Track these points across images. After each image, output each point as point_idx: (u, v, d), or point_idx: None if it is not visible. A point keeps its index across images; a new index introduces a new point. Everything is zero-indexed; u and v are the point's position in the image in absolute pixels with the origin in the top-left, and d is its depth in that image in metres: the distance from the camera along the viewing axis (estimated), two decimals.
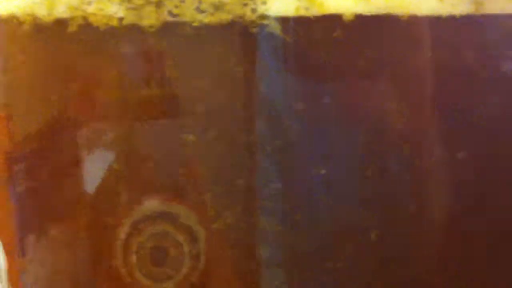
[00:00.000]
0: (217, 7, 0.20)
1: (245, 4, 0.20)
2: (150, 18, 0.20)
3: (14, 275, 0.26)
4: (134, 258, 0.22)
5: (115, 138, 0.22)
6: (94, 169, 0.22)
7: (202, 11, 0.20)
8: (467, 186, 0.22)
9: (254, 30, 0.20)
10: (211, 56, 0.21)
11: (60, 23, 0.21)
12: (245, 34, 0.20)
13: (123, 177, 0.22)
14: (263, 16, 0.20)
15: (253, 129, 0.21)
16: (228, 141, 0.21)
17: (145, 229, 0.22)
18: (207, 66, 0.21)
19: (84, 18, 0.21)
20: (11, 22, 0.22)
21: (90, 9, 0.21)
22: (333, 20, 0.20)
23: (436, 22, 0.21)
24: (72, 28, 0.21)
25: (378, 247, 0.21)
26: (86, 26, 0.21)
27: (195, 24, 0.20)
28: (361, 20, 0.20)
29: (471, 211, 0.22)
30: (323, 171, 0.21)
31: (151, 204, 0.22)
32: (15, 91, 0.23)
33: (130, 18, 0.20)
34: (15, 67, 0.23)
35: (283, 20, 0.20)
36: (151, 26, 0.20)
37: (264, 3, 0.20)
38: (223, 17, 0.20)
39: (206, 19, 0.20)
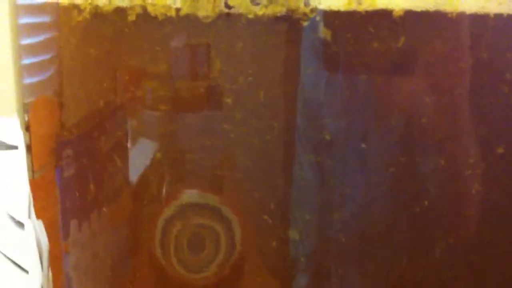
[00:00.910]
0: (272, 0, 0.20)
1: None
2: (206, 10, 0.20)
3: (55, 257, 0.27)
4: (172, 246, 0.22)
5: (161, 127, 0.22)
6: (138, 157, 0.22)
7: (257, 3, 0.20)
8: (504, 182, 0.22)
9: (305, 23, 0.20)
10: (261, 48, 0.21)
11: (119, 12, 0.21)
12: (295, 27, 0.20)
13: (166, 167, 0.22)
14: (315, 10, 0.20)
15: (293, 124, 0.21)
16: (268, 135, 0.21)
17: (184, 219, 0.22)
18: (257, 58, 0.21)
19: (143, 7, 0.21)
20: (71, 10, 0.22)
21: None
22: (383, 15, 0.20)
23: (484, 20, 0.21)
24: (131, 17, 0.21)
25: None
26: (145, 15, 0.21)
27: (249, 16, 0.20)
28: (410, 15, 0.20)
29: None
30: (359, 171, 0.21)
31: (191, 194, 0.22)
32: (69, 78, 0.24)
33: (187, 9, 0.21)
34: (72, 55, 0.23)
35: (334, 14, 0.20)
36: (206, 17, 0.21)
37: None
38: (277, 9, 0.20)
39: (260, 11, 0.20)
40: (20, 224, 0.50)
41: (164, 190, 0.22)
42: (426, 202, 0.21)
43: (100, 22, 0.22)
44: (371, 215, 0.21)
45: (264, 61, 0.21)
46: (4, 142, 0.66)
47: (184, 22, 0.21)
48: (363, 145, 0.21)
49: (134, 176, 0.23)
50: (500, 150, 0.22)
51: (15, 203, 0.54)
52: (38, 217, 0.28)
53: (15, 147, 0.30)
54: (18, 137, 0.28)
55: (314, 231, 0.21)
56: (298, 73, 0.21)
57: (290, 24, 0.20)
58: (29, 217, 0.29)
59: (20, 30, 0.26)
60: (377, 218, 0.21)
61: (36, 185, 0.28)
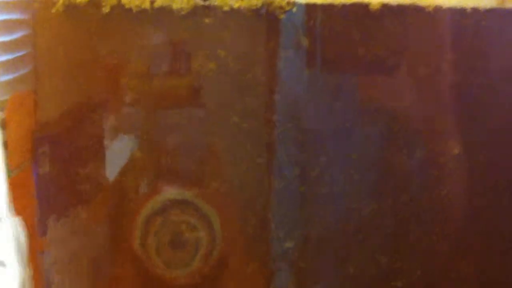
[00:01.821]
0: None
1: None
2: (181, 2, 0.20)
3: (34, 254, 0.26)
4: (152, 242, 0.22)
5: (139, 125, 0.22)
6: (117, 155, 0.22)
7: None
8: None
9: (281, 16, 0.20)
10: (237, 41, 0.21)
11: (94, 4, 0.21)
12: (272, 20, 0.20)
13: (145, 164, 0.22)
14: (292, 3, 0.20)
15: (272, 120, 0.21)
16: (247, 131, 0.21)
17: (164, 215, 0.22)
18: (235, 53, 0.21)
19: None
20: (44, 2, 0.22)
21: None
22: (360, 8, 0.20)
23: (460, 15, 0.21)
24: (105, 9, 0.21)
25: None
26: (119, 7, 0.21)
27: (225, 9, 0.20)
28: (387, 9, 0.20)
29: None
30: (340, 166, 0.21)
31: (170, 191, 0.22)
32: (44, 75, 0.23)
33: (161, 1, 0.20)
34: (46, 51, 0.23)
35: (311, 7, 0.20)
36: (181, 10, 0.20)
37: None
38: (253, 2, 0.20)
39: (236, 4, 0.20)
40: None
41: (143, 187, 0.22)
42: (406, 196, 0.21)
43: (74, 15, 0.21)
44: (353, 211, 0.21)
45: (242, 55, 0.21)
46: None
47: (159, 14, 0.21)
48: (345, 141, 0.21)
49: (112, 173, 0.22)
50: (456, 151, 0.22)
51: None
52: (16, 214, 0.28)
53: None
54: None
55: (296, 227, 0.21)
56: (277, 68, 0.21)
57: (267, 17, 0.20)
58: (7, 214, 0.28)
59: None
60: (359, 213, 0.21)
61: (13, 184, 0.28)
